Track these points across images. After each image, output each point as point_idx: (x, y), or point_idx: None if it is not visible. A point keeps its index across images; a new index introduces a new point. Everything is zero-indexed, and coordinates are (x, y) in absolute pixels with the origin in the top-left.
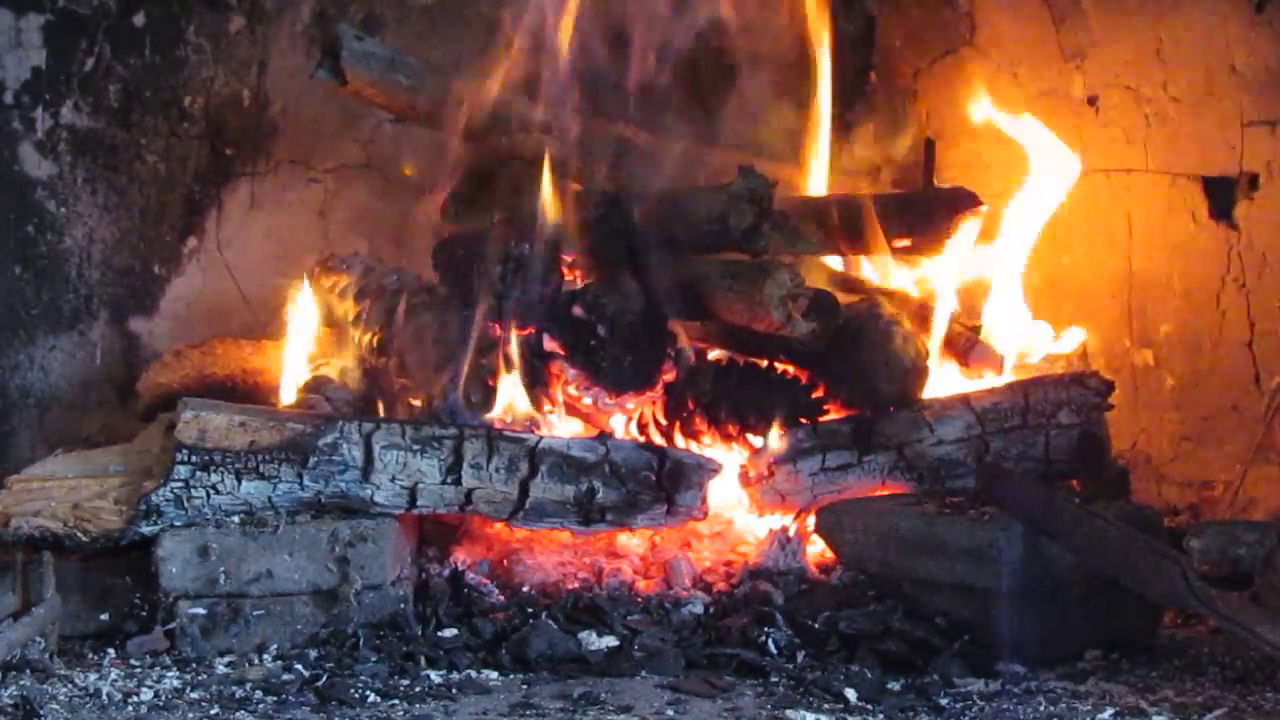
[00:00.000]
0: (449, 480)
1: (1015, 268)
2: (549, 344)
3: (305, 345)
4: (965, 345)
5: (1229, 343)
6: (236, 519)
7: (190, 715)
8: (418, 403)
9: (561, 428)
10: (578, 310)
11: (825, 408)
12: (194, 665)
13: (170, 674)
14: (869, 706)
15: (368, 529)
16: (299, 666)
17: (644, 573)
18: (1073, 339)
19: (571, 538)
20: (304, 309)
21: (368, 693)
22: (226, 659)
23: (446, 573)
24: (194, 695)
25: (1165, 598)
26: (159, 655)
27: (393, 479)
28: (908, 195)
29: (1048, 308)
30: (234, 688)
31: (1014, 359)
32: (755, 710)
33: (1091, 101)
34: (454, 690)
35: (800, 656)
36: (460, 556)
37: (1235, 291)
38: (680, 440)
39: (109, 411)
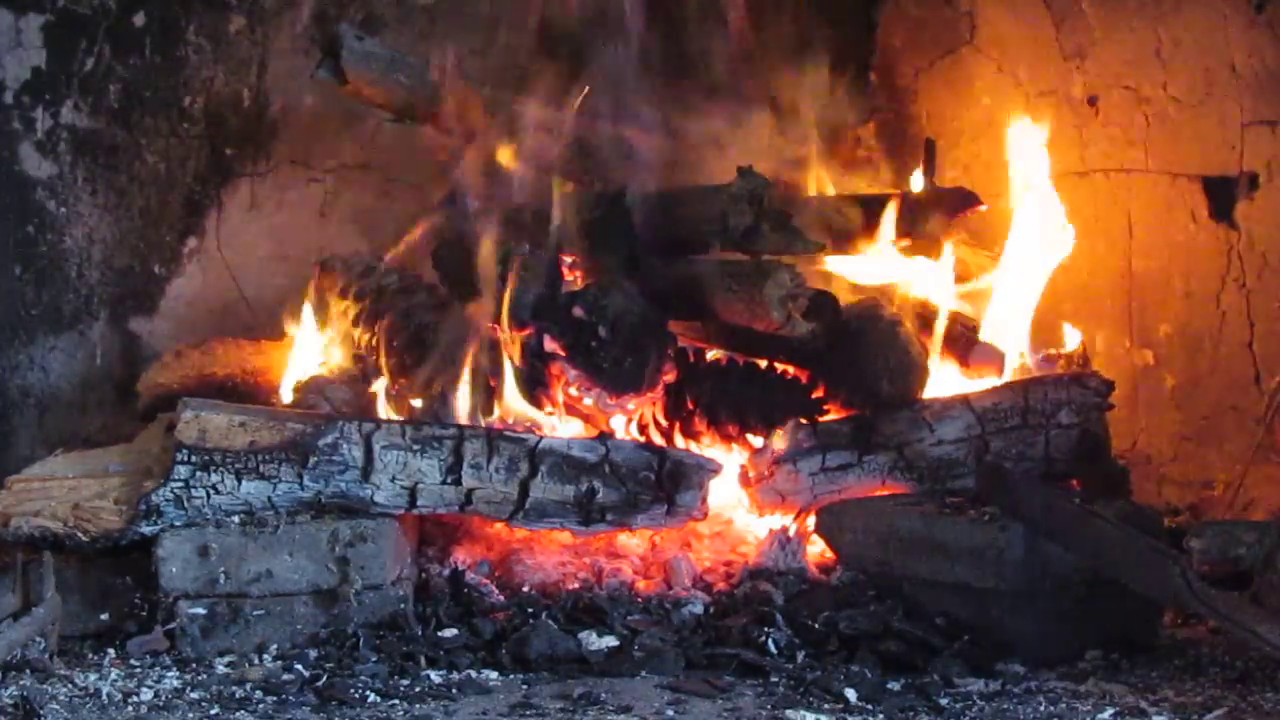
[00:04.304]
0: (449, 480)
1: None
2: (549, 345)
3: (305, 345)
4: (965, 345)
5: (1229, 343)
6: (236, 519)
7: (190, 715)
8: (418, 403)
9: (562, 428)
10: (578, 311)
11: (825, 408)
12: (194, 665)
13: (170, 674)
14: (869, 706)
15: (368, 529)
16: (299, 666)
17: (644, 573)
18: (1071, 341)
19: (571, 538)
20: (304, 309)
21: (368, 693)
22: (226, 659)
23: (446, 573)
24: (194, 695)
25: (1165, 598)
26: (159, 655)
27: (393, 479)
28: (908, 195)
29: (1048, 308)
30: (234, 688)
31: (1014, 359)
32: (755, 710)
33: (1091, 101)
34: (454, 690)
35: (800, 656)
36: (460, 556)
37: (1235, 291)
38: (680, 441)
39: (109, 411)
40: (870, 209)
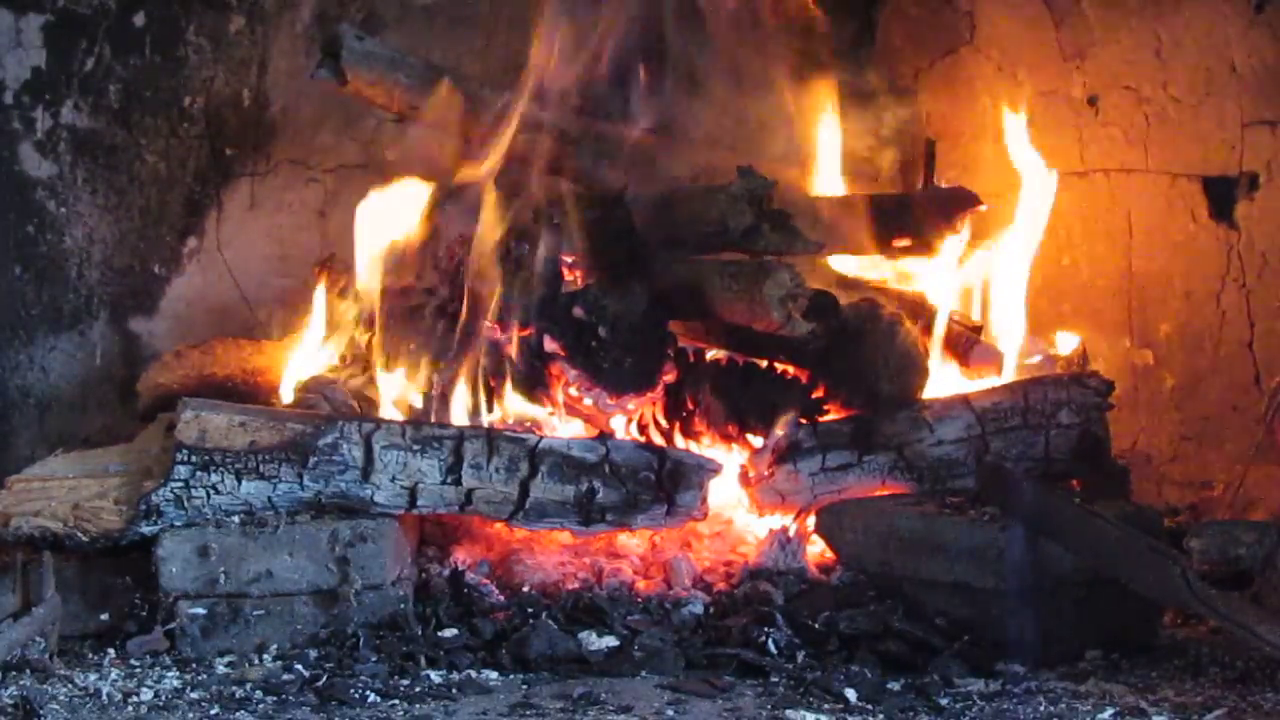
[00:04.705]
0: (449, 480)
1: (1018, 272)
2: (549, 345)
3: (305, 345)
4: (965, 345)
5: (1229, 343)
6: (236, 519)
7: (190, 715)
8: (417, 403)
9: (562, 428)
10: (578, 311)
11: (825, 408)
12: (194, 665)
13: (170, 674)
14: (869, 706)
15: (368, 529)
16: (299, 666)
17: (644, 573)
18: (1069, 343)
19: (571, 538)
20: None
21: (368, 693)
22: (226, 659)
23: (446, 573)
24: (194, 695)
25: (1165, 598)
26: (159, 655)
27: (393, 479)
28: (908, 195)
29: (1048, 308)
30: (234, 688)
31: (1014, 359)
32: (755, 710)
33: (1091, 101)
34: (454, 690)
35: (800, 656)
36: (460, 556)
37: (1235, 291)
38: (680, 441)
39: (109, 411)
40: (870, 209)
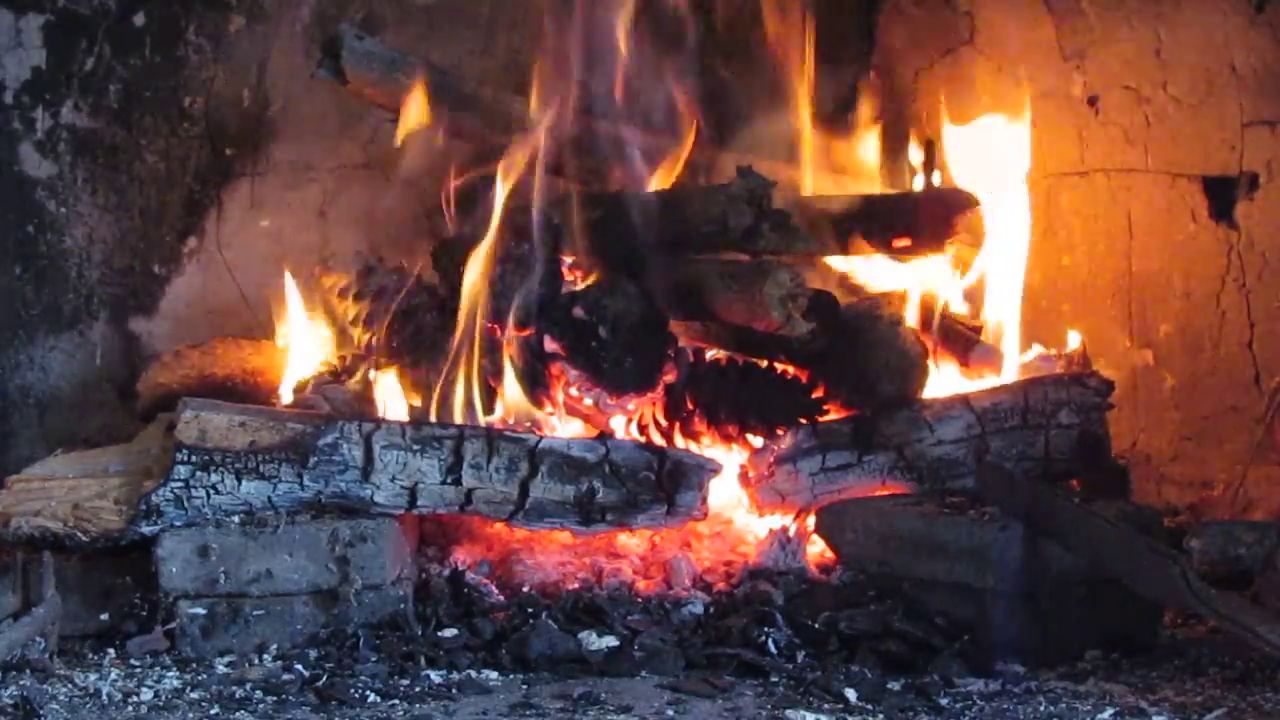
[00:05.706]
0: (449, 480)
1: (1013, 274)
2: (550, 345)
3: (305, 346)
4: (965, 345)
5: (1229, 343)
6: (236, 519)
7: (190, 715)
8: (417, 403)
9: (562, 428)
10: (579, 311)
11: (825, 408)
12: (194, 665)
13: (170, 674)
14: (869, 706)
15: (368, 529)
16: (299, 666)
17: (644, 573)
18: (1070, 343)
19: (571, 538)
20: (303, 309)
21: (368, 693)
22: (226, 659)
23: (446, 573)
24: (194, 695)
25: (1165, 598)
26: (159, 655)
27: (393, 479)
28: (907, 195)
29: (1048, 308)
30: (234, 688)
31: (1014, 360)
32: (755, 710)
33: (1091, 101)
34: (454, 690)
35: (800, 656)
36: (460, 556)
37: (1235, 291)
38: (680, 441)
39: (109, 411)
40: (870, 209)
